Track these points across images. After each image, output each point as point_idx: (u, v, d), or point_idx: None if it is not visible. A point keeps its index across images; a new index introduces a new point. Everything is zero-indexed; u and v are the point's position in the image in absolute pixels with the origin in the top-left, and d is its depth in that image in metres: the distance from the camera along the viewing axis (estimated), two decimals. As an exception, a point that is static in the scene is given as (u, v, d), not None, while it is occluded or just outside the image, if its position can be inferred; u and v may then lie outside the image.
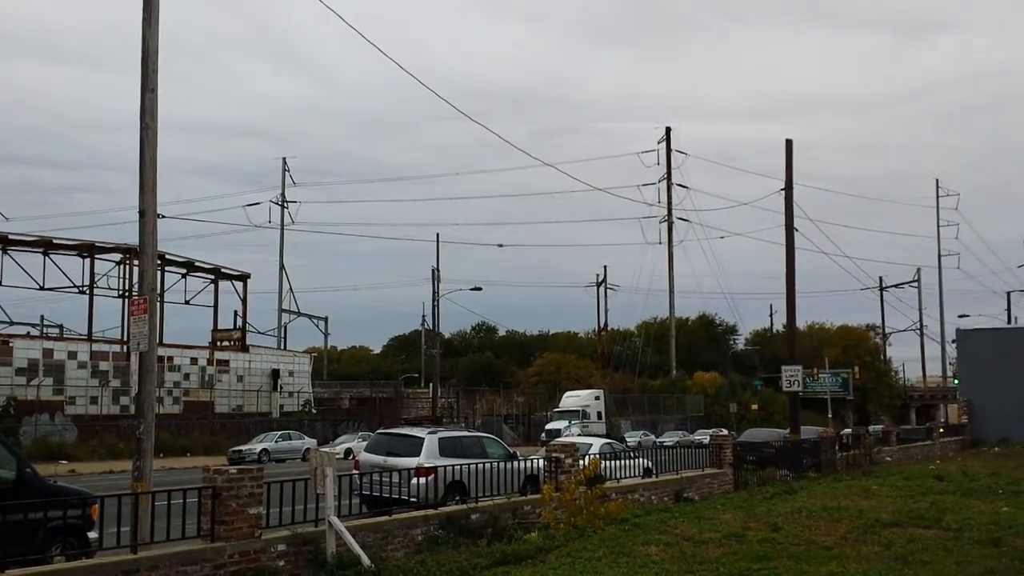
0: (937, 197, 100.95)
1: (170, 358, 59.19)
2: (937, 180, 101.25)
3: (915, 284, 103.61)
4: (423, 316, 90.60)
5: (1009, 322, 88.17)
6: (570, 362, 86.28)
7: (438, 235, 73.69)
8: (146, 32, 14.08)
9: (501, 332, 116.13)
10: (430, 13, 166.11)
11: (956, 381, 71.30)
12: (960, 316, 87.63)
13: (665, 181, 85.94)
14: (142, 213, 14.03)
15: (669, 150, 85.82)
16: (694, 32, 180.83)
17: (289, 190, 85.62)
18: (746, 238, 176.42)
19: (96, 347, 56.22)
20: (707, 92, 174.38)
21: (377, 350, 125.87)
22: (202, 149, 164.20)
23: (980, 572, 12.10)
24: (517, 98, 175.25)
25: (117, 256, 59.32)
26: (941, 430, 52.39)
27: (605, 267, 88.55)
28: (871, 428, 52.53)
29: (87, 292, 58.26)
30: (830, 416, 69.51)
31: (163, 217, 52.29)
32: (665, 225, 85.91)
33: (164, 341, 56.59)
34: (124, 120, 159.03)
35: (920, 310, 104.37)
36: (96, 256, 58.88)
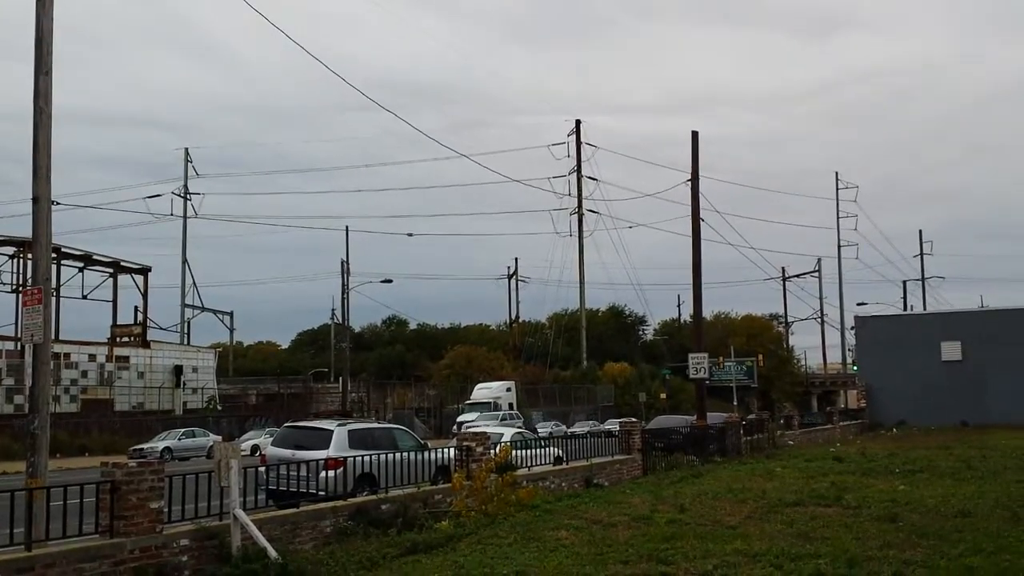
0: (837, 190, 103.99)
1: (67, 355, 57.23)
2: (837, 173, 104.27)
3: (816, 274, 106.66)
4: (332, 310, 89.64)
5: (905, 309, 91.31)
6: (481, 355, 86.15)
7: (347, 227, 73.30)
8: (40, 13, 13.68)
9: (412, 325, 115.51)
10: (345, 5, 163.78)
11: (855, 367, 73.63)
12: (859, 304, 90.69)
13: (575, 173, 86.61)
14: (36, 200, 13.53)
15: (579, 143, 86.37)
16: (609, 29, 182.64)
17: (193, 181, 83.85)
18: (655, 230, 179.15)
19: (-11, 344, 54.14)
20: (621, 87, 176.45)
21: (285, 345, 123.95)
22: (102, 140, 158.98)
23: (878, 547, 12.45)
24: (433, 91, 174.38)
25: (10, 249, 57.19)
26: (833, 415, 53.93)
27: (516, 259, 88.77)
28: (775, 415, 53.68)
29: (-22, 288, 56.10)
30: (735, 403, 71.16)
31: (58, 205, 50.64)
32: (575, 217, 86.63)
33: (61, 337, 54.77)
34: (22, 108, 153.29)
35: (821, 299, 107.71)
36: (-12, 250, 56.74)
